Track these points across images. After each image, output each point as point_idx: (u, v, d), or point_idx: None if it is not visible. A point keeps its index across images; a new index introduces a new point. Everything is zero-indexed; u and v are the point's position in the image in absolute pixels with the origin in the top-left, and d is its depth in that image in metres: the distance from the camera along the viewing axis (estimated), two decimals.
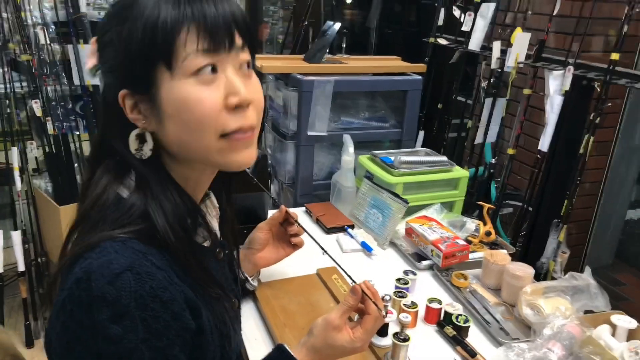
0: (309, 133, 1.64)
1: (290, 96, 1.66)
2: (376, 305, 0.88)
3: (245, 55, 0.70)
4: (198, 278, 0.72)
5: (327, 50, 1.75)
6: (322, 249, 1.00)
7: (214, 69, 0.67)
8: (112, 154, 0.73)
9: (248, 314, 1.13)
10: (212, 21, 0.65)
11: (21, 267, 2.24)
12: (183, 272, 0.70)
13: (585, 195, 2.69)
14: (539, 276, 1.70)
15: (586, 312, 1.12)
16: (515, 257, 1.65)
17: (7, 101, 2.27)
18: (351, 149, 1.55)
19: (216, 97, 0.66)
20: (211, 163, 0.72)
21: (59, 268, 0.68)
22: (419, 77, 1.77)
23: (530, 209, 1.88)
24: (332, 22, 1.73)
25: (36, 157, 2.43)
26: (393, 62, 1.89)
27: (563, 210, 1.67)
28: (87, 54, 0.73)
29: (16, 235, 2.23)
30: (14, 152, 2.25)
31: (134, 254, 0.64)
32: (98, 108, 2.36)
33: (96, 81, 2.35)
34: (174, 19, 0.64)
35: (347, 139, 1.56)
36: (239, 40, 0.69)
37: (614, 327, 1.08)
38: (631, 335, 1.07)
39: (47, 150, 2.29)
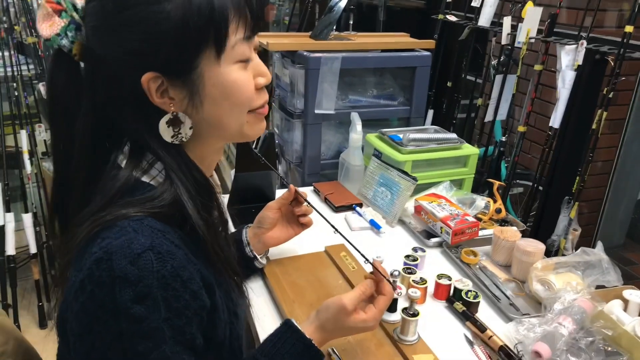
0: (316, 111, 1.62)
1: (297, 74, 1.64)
2: (391, 284, 0.88)
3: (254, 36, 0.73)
4: (216, 258, 0.72)
5: (334, 27, 1.73)
6: (334, 227, 0.99)
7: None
8: (121, 141, 0.72)
9: (257, 291, 1.13)
10: (257, 9, 0.68)
11: (33, 250, 2.27)
12: (198, 249, 0.70)
13: (597, 174, 2.66)
14: (550, 254, 1.68)
15: (598, 287, 1.11)
16: (525, 235, 1.63)
17: (15, 84, 2.28)
18: (359, 127, 1.53)
19: (251, 79, 0.71)
20: (239, 135, 0.75)
21: (73, 246, 0.66)
22: (428, 53, 1.74)
23: (540, 188, 1.86)
24: None
25: (45, 140, 2.44)
26: (401, 39, 1.86)
27: (574, 187, 1.64)
28: (44, 19, 0.64)
29: (27, 218, 2.26)
30: (23, 136, 2.26)
31: (153, 233, 0.63)
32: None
33: None
34: (227, 4, 0.65)
35: (355, 117, 1.54)
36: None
37: (626, 302, 1.07)
38: None
39: None
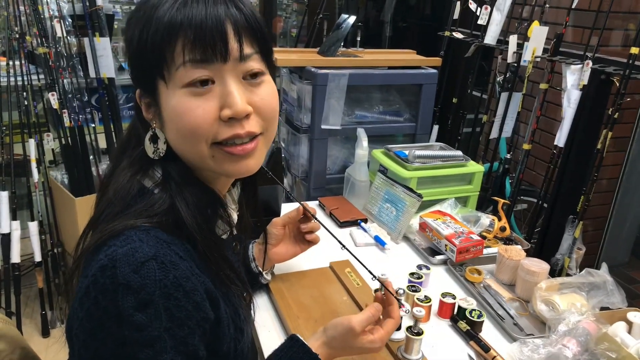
0: (323, 127, 1.64)
1: (305, 89, 1.65)
2: (400, 303, 0.90)
3: (253, 64, 0.69)
4: (219, 269, 0.73)
5: (342, 44, 1.75)
6: (342, 244, 1.00)
7: (205, 82, 0.66)
8: (140, 144, 0.74)
9: (262, 307, 1.14)
10: (209, 28, 0.64)
11: (38, 258, 2.28)
12: (203, 263, 0.71)
13: (601, 192, 2.66)
14: (554, 272, 1.68)
15: (602, 308, 1.11)
16: (529, 253, 1.63)
17: (25, 93, 2.30)
18: (365, 143, 1.54)
19: (209, 107, 0.66)
20: (208, 168, 0.73)
21: (81, 254, 0.68)
22: (434, 70, 1.75)
23: (545, 205, 1.86)
24: (346, 15, 1.72)
25: (52, 149, 2.46)
26: (408, 56, 1.87)
27: (579, 206, 1.65)
28: None
29: (33, 226, 2.26)
30: (31, 144, 2.28)
31: (158, 243, 0.65)
32: (113, 100, 2.39)
33: (112, 74, 2.37)
34: (169, 28, 0.64)
35: (361, 133, 1.55)
36: (236, 50, 0.66)
37: (630, 324, 1.07)
38: None
39: (63, 142, 2.32)
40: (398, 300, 0.90)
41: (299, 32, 2.79)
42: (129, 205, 0.69)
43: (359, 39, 1.83)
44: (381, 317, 0.91)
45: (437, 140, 2.37)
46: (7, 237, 2.19)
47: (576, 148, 1.72)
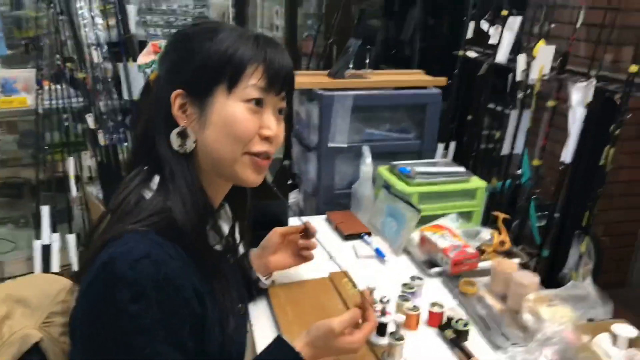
0: (330, 145, 1.73)
1: (313, 110, 1.75)
2: (374, 311, 0.99)
3: (283, 104, 0.87)
4: (207, 269, 0.82)
5: (351, 66, 1.84)
6: (330, 255, 1.08)
7: (260, 104, 0.82)
8: (146, 159, 0.84)
9: (261, 315, 1.21)
10: (276, 69, 0.82)
11: (75, 268, 2.45)
12: (194, 265, 0.80)
13: (624, 209, 2.62)
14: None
15: (590, 320, 1.14)
16: (541, 267, 1.65)
17: (65, 115, 2.50)
18: (369, 160, 1.62)
19: (255, 124, 0.82)
20: (229, 171, 0.84)
21: (87, 257, 0.78)
22: (438, 90, 1.82)
23: (556, 215, 1.87)
24: (354, 40, 1.81)
25: (89, 166, 2.64)
26: (413, 77, 1.94)
27: (584, 222, 1.66)
28: (144, 53, 0.91)
29: (71, 238, 2.44)
30: (70, 162, 2.47)
31: (152, 244, 0.74)
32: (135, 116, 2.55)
33: None
34: (249, 56, 0.81)
35: (366, 150, 1.63)
36: (283, 91, 0.86)
37: (615, 335, 1.09)
38: (633, 344, 1.08)
39: (98, 159, 2.49)
40: (373, 309, 0.98)
41: (312, 52, 2.91)
42: (128, 213, 0.79)
43: (367, 61, 1.91)
44: (360, 321, 0.98)
45: (454, 157, 2.41)
46: (47, 248, 2.38)
47: (583, 164, 1.74)
